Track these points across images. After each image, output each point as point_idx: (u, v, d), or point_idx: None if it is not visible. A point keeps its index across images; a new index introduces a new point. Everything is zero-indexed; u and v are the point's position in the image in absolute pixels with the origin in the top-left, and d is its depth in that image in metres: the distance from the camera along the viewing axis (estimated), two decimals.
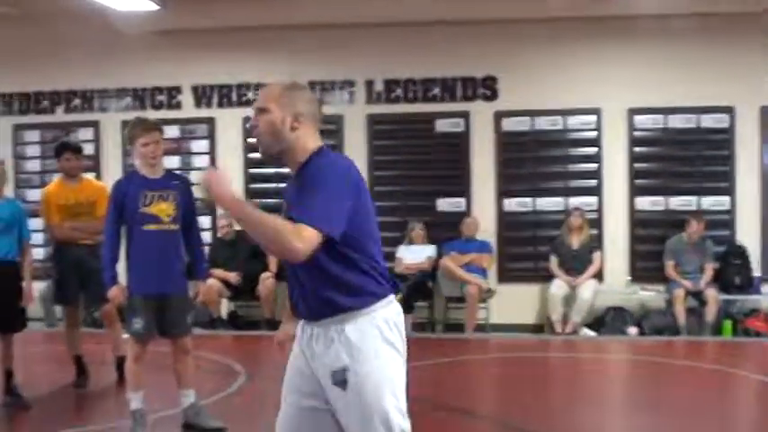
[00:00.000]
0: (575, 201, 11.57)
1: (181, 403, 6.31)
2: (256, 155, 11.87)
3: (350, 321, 3.48)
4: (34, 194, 12.24)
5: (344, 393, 3.47)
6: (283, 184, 12.22)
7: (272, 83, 3.81)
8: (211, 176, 3.39)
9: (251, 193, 12.15)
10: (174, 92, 12.51)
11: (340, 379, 3.47)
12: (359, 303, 3.50)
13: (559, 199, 11.65)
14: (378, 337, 3.50)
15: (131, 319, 6.10)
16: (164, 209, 6.14)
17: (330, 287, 3.49)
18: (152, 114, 12.16)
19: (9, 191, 12.01)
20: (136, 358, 6.14)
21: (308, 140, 3.65)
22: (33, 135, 12.84)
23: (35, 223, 11.12)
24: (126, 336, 6.35)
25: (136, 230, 6.11)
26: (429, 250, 11.44)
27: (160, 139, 6.29)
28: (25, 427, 6.75)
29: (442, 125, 11.94)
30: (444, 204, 11.90)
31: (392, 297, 3.60)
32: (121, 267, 6.23)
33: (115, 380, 7.96)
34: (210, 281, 10.72)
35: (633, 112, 11.54)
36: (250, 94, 12.26)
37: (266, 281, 11.43)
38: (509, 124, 11.78)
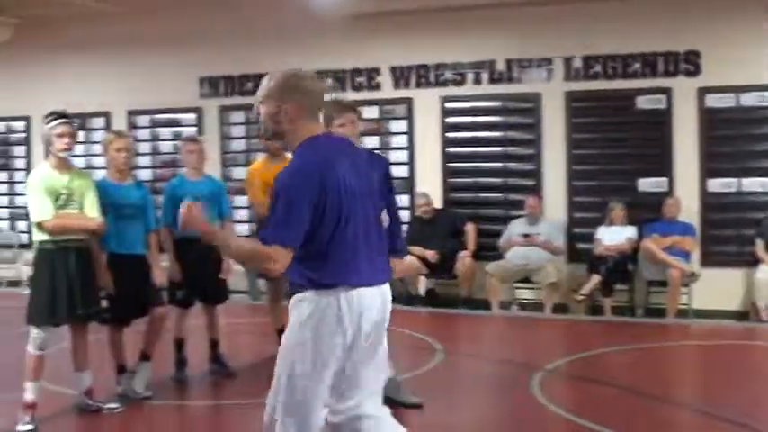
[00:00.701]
0: None
1: None
2: (455, 134, 12.05)
3: None
4: (239, 173, 12.73)
5: None
6: (480, 164, 12.31)
7: (274, 72, 4.02)
8: (188, 215, 3.76)
9: (449, 172, 12.24)
10: (373, 73, 12.69)
11: None
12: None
13: (766, 179, 11.17)
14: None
15: None
16: None
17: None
18: (352, 96, 12.41)
19: (216, 170, 12.62)
20: None
21: (303, 130, 3.92)
22: (238, 116, 13.34)
23: (241, 201, 11.66)
24: None
25: None
26: (629, 231, 11.21)
27: (355, 119, 6.37)
28: (230, 393, 7.03)
29: (642, 102, 11.61)
30: (645, 184, 11.60)
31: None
32: None
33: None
34: (409, 258, 10.85)
35: None
36: (448, 74, 12.32)
37: (464, 259, 11.49)
38: (713, 101, 11.35)
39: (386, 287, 3.96)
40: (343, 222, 3.79)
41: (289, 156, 8.45)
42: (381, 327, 3.93)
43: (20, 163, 14.56)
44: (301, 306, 3.80)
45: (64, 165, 6.15)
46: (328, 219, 3.75)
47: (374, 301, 3.85)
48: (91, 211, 6.17)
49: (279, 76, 3.97)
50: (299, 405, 3.77)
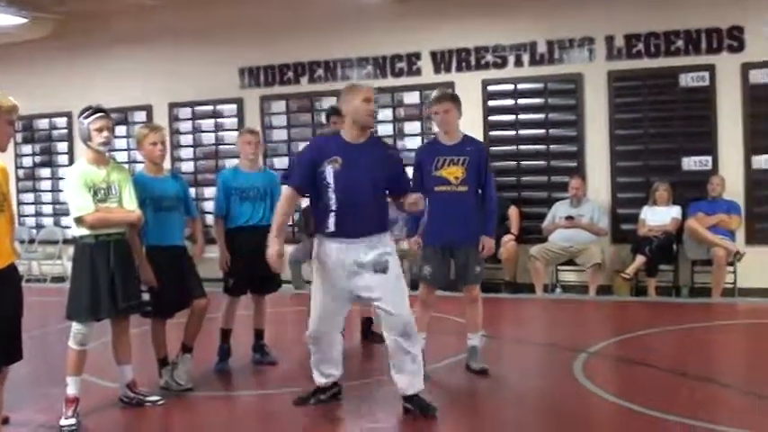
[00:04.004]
0: None
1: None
2: (497, 117, 11.96)
3: None
4: (282, 162, 12.78)
5: None
6: (523, 146, 12.15)
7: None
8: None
9: (491, 155, 12.11)
10: (413, 58, 12.67)
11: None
12: None
13: None
14: None
15: (422, 266, 6.96)
16: (452, 172, 6.72)
17: None
18: (393, 81, 12.47)
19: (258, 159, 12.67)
20: (423, 302, 6.97)
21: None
22: (279, 105, 13.41)
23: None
24: None
25: (430, 192, 6.68)
26: (674, 211, 11.11)
27: (451, 107, 6.84)
28: (273, 383, 7.06)
29: (686, 80, 11.48)
30: (690, 163, 11.47)
31: None
32: None
33: (359, 340, 8.33)
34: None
35: None
36: (488, 57, 12.27)
37: (508, 243, 11.46)
38: (757, 76, 11.18)
39: None
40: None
41: None
42: None
43: (63, 159, 14.78)
44: None
45: (102, 159, 6.20)
46: None
47: None
48: (130, 205, 6.21)
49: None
50: None
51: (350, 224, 5.73)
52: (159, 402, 6.37)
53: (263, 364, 7.55)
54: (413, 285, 7.88)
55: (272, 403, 6.54)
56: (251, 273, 7.32)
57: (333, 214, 5.74)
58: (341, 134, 5.91)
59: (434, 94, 7.33)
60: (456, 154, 6.76)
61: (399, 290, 5.83)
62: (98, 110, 6.17)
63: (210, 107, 13.85)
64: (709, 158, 11.34)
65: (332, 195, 5.72)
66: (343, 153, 5.74)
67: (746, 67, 11.18)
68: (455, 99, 6.98)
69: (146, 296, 6.45)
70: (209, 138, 13.89)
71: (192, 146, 14.01)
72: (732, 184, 11.07)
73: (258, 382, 7.23)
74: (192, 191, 12.43)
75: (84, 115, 6.16)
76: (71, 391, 5.96)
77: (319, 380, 6.21)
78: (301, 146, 12.96)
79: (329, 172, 5.71)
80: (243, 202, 7.37)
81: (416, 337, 5.89)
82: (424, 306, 6.97)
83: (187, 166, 13.85)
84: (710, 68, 11.34)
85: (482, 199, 6.84)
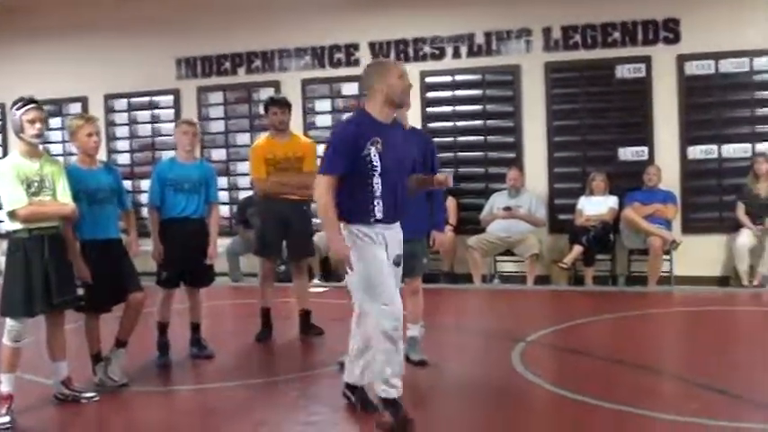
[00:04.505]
0: (762, 146, 11.09)
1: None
2: (435, 109, 11.96)
3: None
4: (219, 154, 12.70)
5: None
6: (461, 138, 12.18)
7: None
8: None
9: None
10: (351, 49, 12.64)
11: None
12: None
13: (746, 145, 11.17)
14: None
15: None
16: None
17: None
18: (331, 72, 12.42)
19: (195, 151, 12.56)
20: None
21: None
22: (217, 96, 13.29)
23: (221, 182, 11.65)
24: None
25: None
26: (611, 201, 11.23)
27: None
28: (210, 377, 7.01)
29: (622, 71, 11.61)
30: (626, 153, 11.61)
31: None
32: None
33: (297, 334, 8.27)
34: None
35: None
36: (426, 48, 12.28)
37: (445, 234, 11.45)
38: (692, 68, 11.34)
39: None
40: None
41: (297, 134, 8.46)
42: None
43: None
44: None
45: (35, 151, 6.08)
46: None
47: None
48: (64, 198, 6.10)
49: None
50: None
51: (393, 209, 5.34)
52: (95, 399, 6.27)
53: (201, 357, 7.48)
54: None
55: (208, 398, 6.48)
56: (184, 265, 7.27)
57: (379, 200, 5.25)
58: (368, 114, 5.39)
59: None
60: None
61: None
62: (30, 101, 6.05)
63: (147, 98, 13.68)
64: (646, 149, 11.48)
65: (378, 180, 5.23)
66: (381, 134, 5.27)
67: (682, 59, 11.33)
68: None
69: (80, 290, 6.35)
70: (145, 129, 13.72)
71: (128, 138, 13.83)
72: (668, 174, 11.21)
73: (195, 376, 7.18)
74: (129, 183, 12.32)
75: (16, 107, 6.03)
76: (5, 388, 5.84)
77: (391, 392, 5.34)
78: (239, 137, 13.00)
79: (374, 154, 5.20)
80: (177, 194, 7.29)
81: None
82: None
83: (123, 159, 13.69)
84: (647, 60, 11.48)
85: (429, 191, 6.70)
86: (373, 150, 5.18)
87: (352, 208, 5.28)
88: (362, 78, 5.54)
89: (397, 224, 5.46)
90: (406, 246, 6.27)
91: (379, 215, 5.26)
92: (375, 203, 5.24)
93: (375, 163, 5.19)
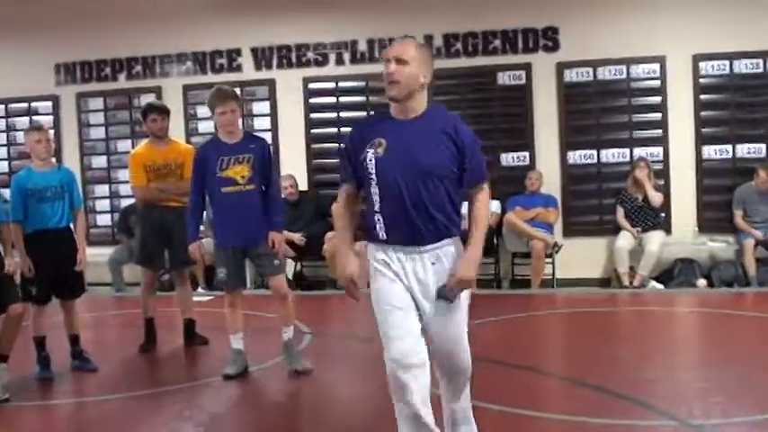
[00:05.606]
0: (640, 151, 11.40)
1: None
2: (319, 115, 11.89)
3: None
4: (100, 161, 12.44)
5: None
6: (342, 144, 12.24)
7: (408, 38, 4.32)
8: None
9: (313, 153, 12.21)
10: (233, 54, 12.54)
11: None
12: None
13: (624, 150, 11.48)
14: None
15: (217, 269, 6.88)
16: (238, 171, 6.65)
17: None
18: (213, 78, 12.28)
19: (75, 158, 12.32)
20: (229, 305, 6.93)
21: (426, 96, 4.33)
22: (97, 103, 13.01)
23: (102, 190, 11.42)
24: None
25: (216, 193, 6.71)
26: (493, 206, 11.31)
27: (236, 107, 6.80)
28: (93, 390, 6.85)
29: (503, 78, 11.81)
30: (508, 159, 11.80)
31: None
32: None
33: (181, 344, 8.15)
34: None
35: (698, 58, 11.28)
36: (310, 55, 12.26)
37: (332, 240, 11.44)
38: (571, 75, 11.61)
39: None
40: None
41: (176, 140, 8.32)
42: None
43: None
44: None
45: None
46: None
47: None
48: None
49: (419, 45, 4.32)
50: None
51: (404, 228, 4.23)
52: None
53: (83, 370, 7.29)
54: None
55: (92, 411, 6.32)
56: (53, 278, 7.08)
57: (379, 216, 4.26)
58: (384, 112, 4.41)
59: (213, 92, 6.87)
60: (240, 152, 6.69)
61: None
62: None
63: (25, 104, 13.29)
64: (527, 154, 11.69)
65: (375, 190, 4.24)
66: (389, 133, 4.26)
67: (561, 66, 11.58)
68: (238, 97, 6.97)
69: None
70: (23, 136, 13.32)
71: (5, 145, 13.43)
72: (549, 178, 11.43)
73: (78, 389, 6.99)
74: (6, 192, 11.96)
75: None
76: None
77: None
78: (120, 144, 12.77)
79: (370, 159, 4.23)
80: (40, 204, 7.06)
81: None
82: (233, 307, 6.94)
83: (1, 166, 13.30)
84: (527, 67, 11.69)
85: (266, 195, 6.78)
86: (370, 154, 4.22)
87: (366, 225, 4.37)
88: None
89: (430, 247, 4.28)
90: (252, 253, 6.79)
91: (381, 235, 4.26)
92: (377, 220, 4.26)
93: (370, 170, 4.23)
